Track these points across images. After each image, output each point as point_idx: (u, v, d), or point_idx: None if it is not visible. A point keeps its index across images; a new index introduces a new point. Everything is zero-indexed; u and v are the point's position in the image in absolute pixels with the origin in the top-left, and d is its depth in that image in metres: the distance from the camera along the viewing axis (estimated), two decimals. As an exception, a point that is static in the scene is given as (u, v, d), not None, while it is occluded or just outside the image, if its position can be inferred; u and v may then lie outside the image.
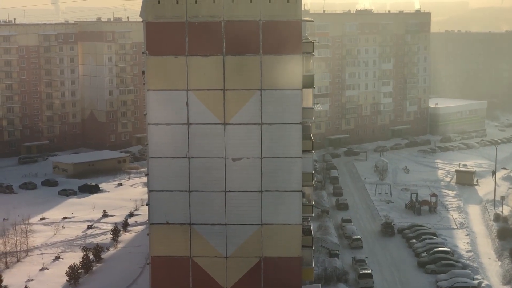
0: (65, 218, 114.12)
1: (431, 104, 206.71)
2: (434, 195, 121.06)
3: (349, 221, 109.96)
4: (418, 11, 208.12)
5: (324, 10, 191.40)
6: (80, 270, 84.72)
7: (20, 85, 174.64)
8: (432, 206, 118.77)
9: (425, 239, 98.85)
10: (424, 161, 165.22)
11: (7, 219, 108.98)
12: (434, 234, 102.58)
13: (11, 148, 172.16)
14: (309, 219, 70.80)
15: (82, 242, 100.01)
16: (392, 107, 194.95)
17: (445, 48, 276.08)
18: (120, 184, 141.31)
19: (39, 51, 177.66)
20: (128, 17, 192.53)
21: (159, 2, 64.05)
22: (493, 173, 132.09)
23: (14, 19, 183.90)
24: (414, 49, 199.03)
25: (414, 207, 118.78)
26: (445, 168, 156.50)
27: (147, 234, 67.32)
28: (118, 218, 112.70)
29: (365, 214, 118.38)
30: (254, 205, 65.48)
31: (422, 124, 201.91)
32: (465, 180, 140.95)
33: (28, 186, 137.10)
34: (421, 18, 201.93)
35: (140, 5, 64.57)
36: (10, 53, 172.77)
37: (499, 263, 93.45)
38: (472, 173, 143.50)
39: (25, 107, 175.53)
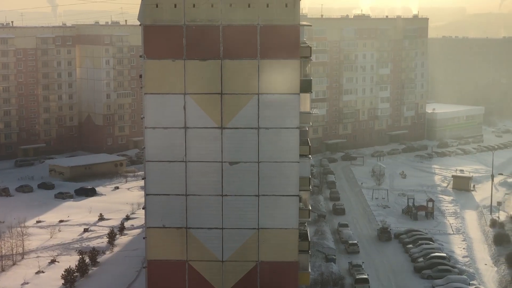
0: (61, 221, 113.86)
1: (428, 109, 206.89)
2: (430, 200, 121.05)
3: (346, 226, 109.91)
4: (415, 16, 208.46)
5: (322, 15, 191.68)
6: (76, 274, 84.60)
7: (18, 88, 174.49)
8: (428, 211, 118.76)
9: (422, 244, 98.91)
10: (421, 166, 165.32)
11: (3, 222, 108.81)
12: (430, 239, 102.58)
13: (8, 151, 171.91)
14: (306, 224, 70.75)
15: (78, 246, 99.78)
16: (389, 112, 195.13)
17: (442, 54, 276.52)
18: (117, 188, 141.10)
19: (37, 54, 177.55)
20: (126, 21, 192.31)
21: (157, 6, 63.88)
22: (492, 178, 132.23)
23: (12, 22, 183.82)
24: (412, 55, 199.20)
25: (411, 212, 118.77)
26: (442, 173, 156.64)
27: (144, 238, 67.08)
28: (115, 222, 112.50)
29: (362, 219, 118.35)
30: (250, 209, 65.34)
31: (419, 129, 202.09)
32: (462, 185, 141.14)
33: (24, 189, 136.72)
34: (419, 24, 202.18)
35: (138, 9, 64.46)
36: (7, 56, 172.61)
37: (495, 268, 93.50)
38: (468, 179, 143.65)
39: (22, 110, 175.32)
